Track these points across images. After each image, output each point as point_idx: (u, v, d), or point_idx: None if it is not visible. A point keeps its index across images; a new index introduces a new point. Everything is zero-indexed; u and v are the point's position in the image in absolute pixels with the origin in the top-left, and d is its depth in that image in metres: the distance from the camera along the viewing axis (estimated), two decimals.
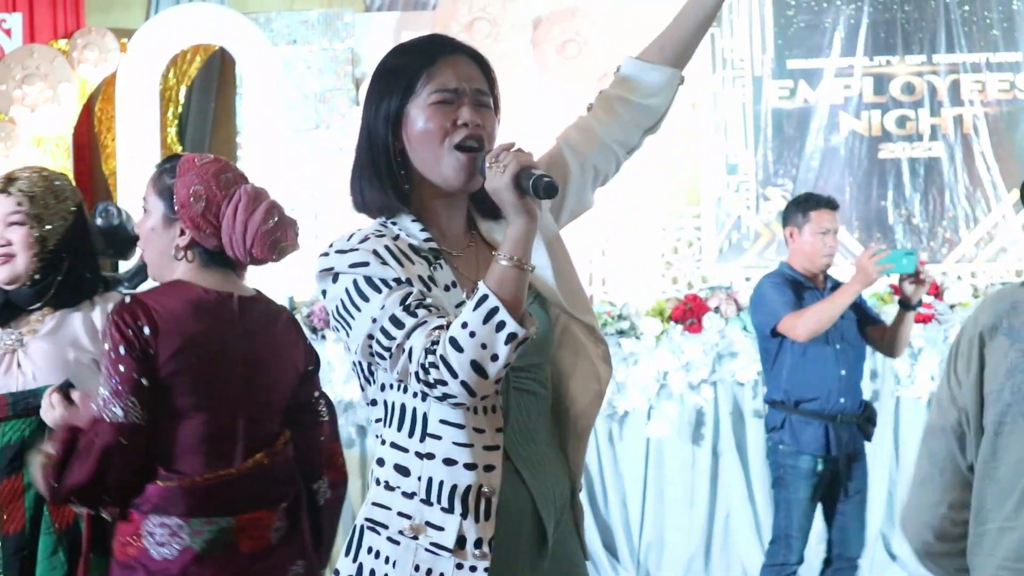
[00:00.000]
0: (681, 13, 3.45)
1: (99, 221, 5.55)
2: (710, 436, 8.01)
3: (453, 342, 2.77)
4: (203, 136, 11.41)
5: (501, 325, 2.74)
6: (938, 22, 11.10)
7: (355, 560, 3.01)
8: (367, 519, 3.02)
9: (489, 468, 2.92)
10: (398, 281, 2.90)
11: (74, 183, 4.92)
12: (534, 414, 3.07)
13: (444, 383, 2.78)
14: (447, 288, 2.99)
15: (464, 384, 2.77)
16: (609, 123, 3.37)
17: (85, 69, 10.75)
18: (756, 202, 11.12)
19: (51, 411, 4.10)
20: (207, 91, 11.37)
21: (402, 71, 3.11)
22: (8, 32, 11.03)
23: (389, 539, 2.96)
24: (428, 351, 2.79)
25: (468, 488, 2.91)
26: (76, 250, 4.53)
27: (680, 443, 8.00)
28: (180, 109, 11.48)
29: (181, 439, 3.90)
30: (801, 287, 7.05)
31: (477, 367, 2.76)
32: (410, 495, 2.95)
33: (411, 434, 2.96)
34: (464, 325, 2.76)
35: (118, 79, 10.51)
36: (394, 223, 3.06)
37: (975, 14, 11.09)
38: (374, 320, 2.87)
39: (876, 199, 11.08)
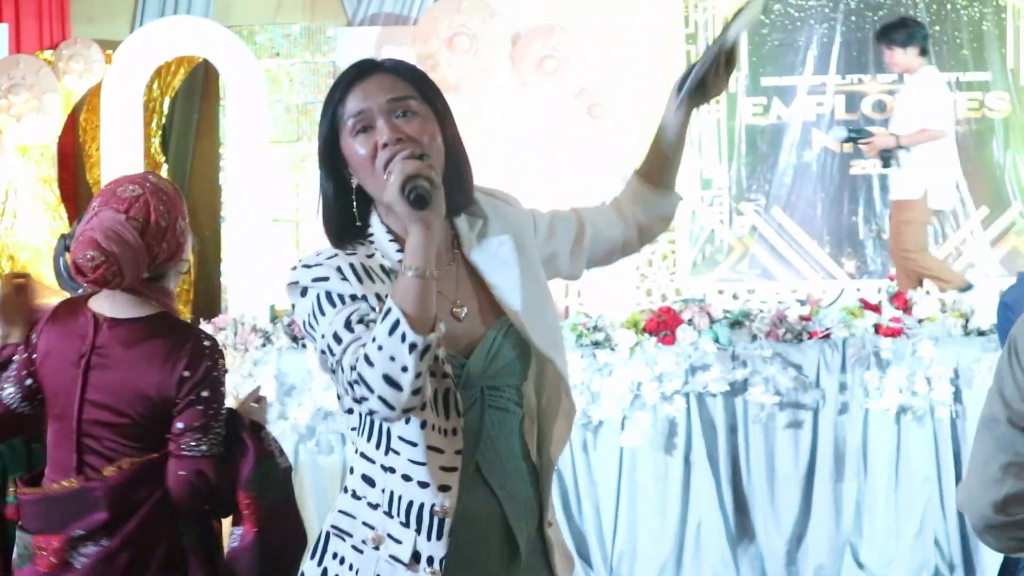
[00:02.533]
0: (655, 140, 3.36)
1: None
2: (682, 446, 8.10)
3: (366, 358, 2.75)
4: (186, 147, 11.52)
5: (404, 336, 2.71)
6: None
7: (320, 564, 3.03)
8: (333, 526, 3.05)
9: (444, 488, 2.92)
10: (353, 297, 2.90)
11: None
12: (507, 431, 3.08)
13: (366, 399, 2.76)
14: None
15: (381, 399, 2.75)
16: (623, 224, 3.38)
17: (70, 80, 10.85)
18: (729, 216, 11.29)
19: None
20: (191, 102, 11.48)
21: (327, 105, 3.08)
22: None
23: (353, 547, 3.00)
24: (352, 368, 2.78)
25: (422, 506, 2.92)
26: None
27: (653, 453, 8.09)
28: (164, 120, 11.61)
29: (48, 446, 4.10)
30: None
31: (390, 380, 2.73)
32: (375, 506, 2.97)
33: (377, 446, 2.98)
34: (374, 340, 2.75)
35: (103, 90, 10.60)
36: (371, 242, 3.06)
37: (945, 34, 11.28)
38: (323, 336, 2.89)
39: (847, 214, 11.25)
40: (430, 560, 2.92)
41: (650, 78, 11.39)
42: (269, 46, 10.84)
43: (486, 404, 3.02)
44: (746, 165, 11.32)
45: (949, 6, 11.27)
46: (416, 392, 2.75)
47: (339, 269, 2.94)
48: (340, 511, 3.04)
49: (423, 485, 2.92)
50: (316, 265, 2.97)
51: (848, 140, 9.59)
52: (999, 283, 9.74)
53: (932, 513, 8.00)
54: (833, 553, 8.01)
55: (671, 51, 11.38)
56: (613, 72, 10.72)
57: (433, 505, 2.92)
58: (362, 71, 3.05)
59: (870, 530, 8.06)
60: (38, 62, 10.82)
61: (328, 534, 3.05)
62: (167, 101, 11.56)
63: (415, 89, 3.03)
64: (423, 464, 2.92)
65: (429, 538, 2.92)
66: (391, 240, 3.03)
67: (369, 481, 2.99)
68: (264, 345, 8.14)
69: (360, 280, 2.94)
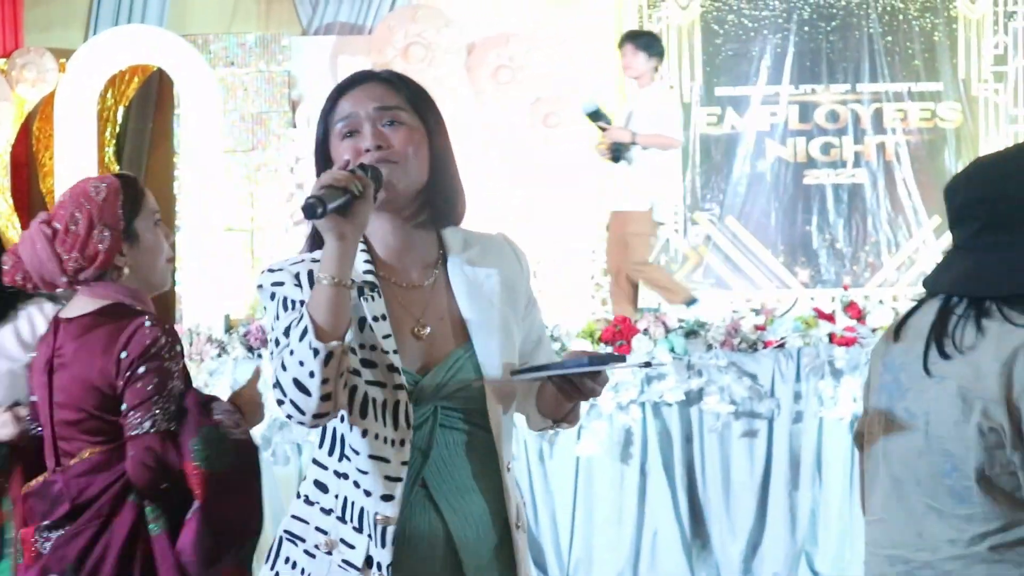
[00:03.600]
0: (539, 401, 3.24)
1: None
2: (638, 455, 8.12)
3: (281, 363, 2.80)
4: (140, 156, 11.47)
5: (310, 343, 2.74)
6: (862, 52, 11.36)
7: (272, 568, 3.06)
8: (286, 531, 3.07)
9: (387, 498, 2.93)
10: (303, 303, 2.88)
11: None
12: (459, 451, 3.05)
13: (282, 402, 2.81)
14: (375, 319, 2.94)
15: (293, 403, 2.79)
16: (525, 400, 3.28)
17: (23, 88, 10.81)
18: (684, 226, 11.33)
19: (3, 429, 4.25)
20: (145, 111, 11.44)
21: (322, 110, 3.11)
22: None
23: (306, 551, 3.02)
24: (274, 374, 2.84)
25: (368, 513, 2.94)
26: None
27: (609, 462, 8.11)
28: (118, 129, 11.56)
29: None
30: None
31: (299, 385, 2.77)
32: (328, 511, 3.01)
33: (331, 452, 3.00)
34: (287, 345, 2.80)
35: (56, 98, 10.54)
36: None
37: (898, 45, 11.36)
38: (274, 340, 2.93)
39: (801, 224, 11.32)
40: (379, 566, 2.93)
41: (605, 87, 11.42)
42: (224, 55, 10.82)
43: (438, 422, 3.01)
44: (700, 175, 11.37)
45: (901, 17, 11.35)
46: (325, 398, 2.78)
47: (296, 275, 2.97)
48: (293, 516, 3.06)
49: (367, 493, 2.94)
50: (278, 270, 3.00)
51: (592, 115, 9.59)
52: None
53: None
54: (788, 561, 8.05)
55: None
56: (568, 81, 10.74)
57: (376, 513, 2.93)
58: (356, 79, 3.09)
59: (825, 538, 8.10)
60: None
61: (281, 539, 3.07)
62: (121, 110, 11.51)
63: (406, 100, 3.05)
64: (366, 473, 2.94)
65: (378, 545, 2.93)
66: (363, 251, 3.02)
67: (322, 487, 3.02)
68: (219, 355, 8.11)
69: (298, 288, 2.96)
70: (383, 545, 2.93)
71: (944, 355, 2.94)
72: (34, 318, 4.35)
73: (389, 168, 2.95)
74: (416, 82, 3.12)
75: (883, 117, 11.35)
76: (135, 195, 4.15)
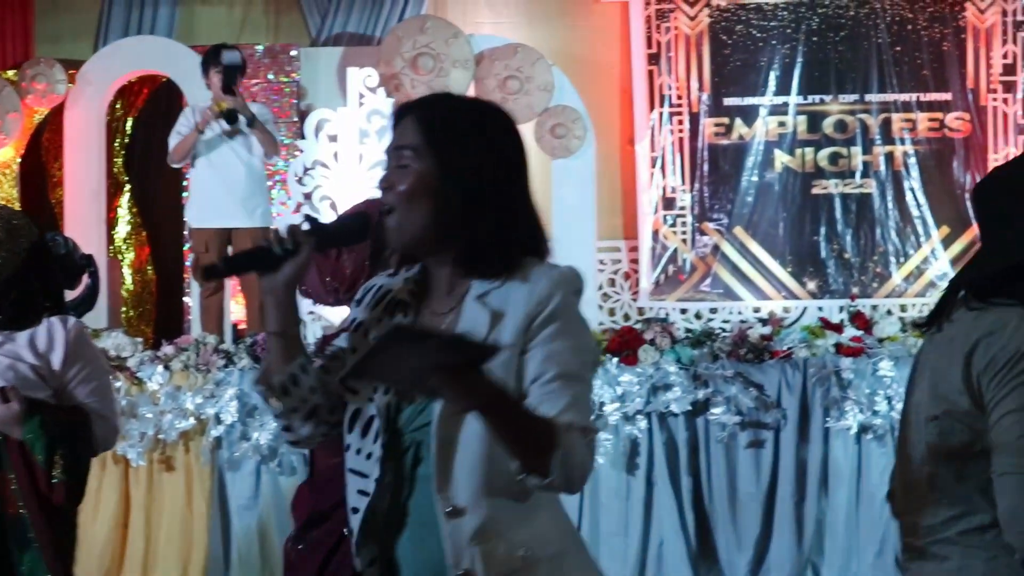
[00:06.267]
0: None
1: None
2: (644, 466, 8.12)
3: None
4: (149, 167, 11.50)
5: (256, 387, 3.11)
6: (871, 62, 11.35)
7: None
8: None
9: (355, 511, 2.99)
10: (349, 321, 3.09)
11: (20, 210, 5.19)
12: (425, 486, 2.95)
13: None
14: None
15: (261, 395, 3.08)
16: None
17: (33, 99, 10.84)
18: (692, 236, 11.33)
19: None
20: (154, 122, 11.46)
21: None
22: None
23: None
24: None
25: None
26: (29, 282, 4.71)
27: (615, 473, 8.12)
28: (127, 140, 11.59)
29: None
30: None
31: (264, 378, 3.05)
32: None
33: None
34: None
35: (66, 109, 10.59)
36: (411, 270, 3.07)
37: (906, 55, 11.35)
38: None
39: (809, 234, 11.30)
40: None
41: (612, 98, 11.44)
42: None
43: (390, 448, 2.98)
44: (708, 185, 11.36)
45: (910, 27, 11.34)
46: (286, 429, 3.07)
47: (364, 289, 3.14)
48: None
49: (343, 503, 3.04)
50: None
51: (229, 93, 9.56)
52: None
53: (893, 532, 8.00)
54: (794, 572, 8.05)
55: (634, 71, 11.42)
56: (576, 92, 10.75)
57: (347, 525, 3.02)
58: (396, 115, 3.05)
59: (831, 549, 8.10)
60: (1, 81, 10.80)
61: None
62: (131, 121, 11.55)
63: (423, 138, 2.94)
64: (346, 484, 3.02)
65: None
66: (416, 273, 3.06)
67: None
68: (226, 366, 8.14)
69: (366, 305, 3.08)
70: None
71: (932, 346, 3.11)
72: (54, 329, 4.63)
73: (390, 213, 2.96)
74: (456, 112, 3.03)
75: (891, 127, 11.33)
76: None
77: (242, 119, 9.37)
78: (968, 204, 11.10)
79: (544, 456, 2.73)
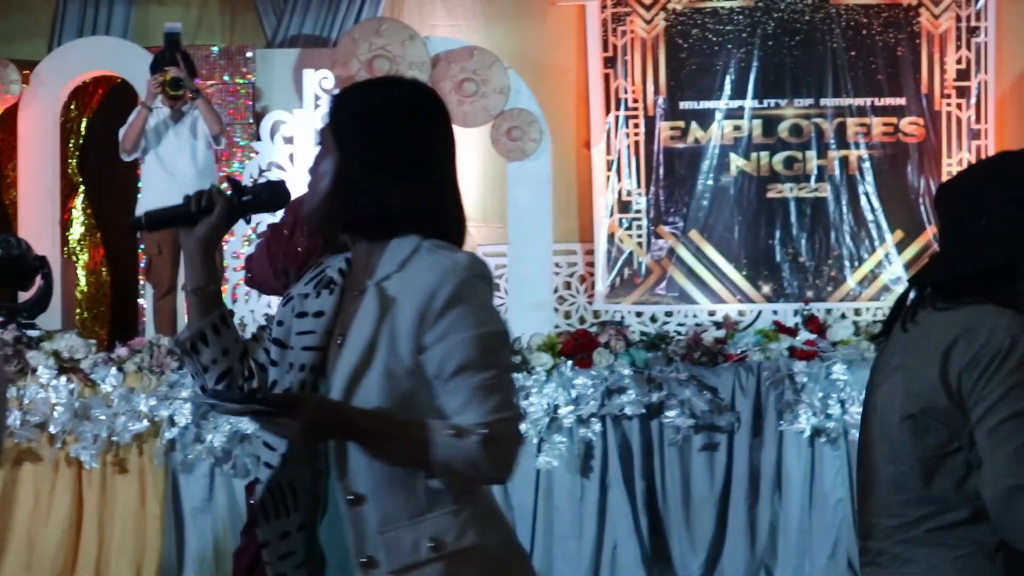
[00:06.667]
0: None
1: None
2: (598, 469, 8.13)
3: None
4: (104, 167, 11.45)
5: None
6: (825, 67, 11.39)
7: None
8: None
9: (258, 482, 3.09)
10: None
11: None
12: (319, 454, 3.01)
13: None
14: (315, 315, 3.00)
15: None
16: None
17: None
18: (647, 239, 11.35)
19: None
20: (109, 123, 11.41)
21: None
22: None
23: None
24: None
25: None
26: None
27: (569, 475, 8.12)
28: (82, 140, 11.55)
29: None
30: None
31: None
32: None
33: None
34: None
35: (20, 110, 10.54)
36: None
37: (861, 60, 11.40)
38: None
39: (764, 238, 11.34)
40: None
41: (569, 101, 11.45)
42: None
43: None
44: (664, 188, 11.39)
45: (865, 32, 11.39)
46: (201, 389, 3.15)
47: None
48: None
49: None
50: None
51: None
52: None
53: (846, 534, 8.06)
54: (747, 574, 8.07)
55: (590, 74, 11.43)
56: (532, 95, 10.76)
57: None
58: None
59: (784, 551, 8.12)
60: None
61: None
62: (85, 121, 11.50)
63: (329, 123, 3.05)
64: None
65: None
66: (348, 255, 3.10)
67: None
68: (180, 368, 8.11)
69: (303, 281, 3.13)
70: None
71: (899, 346, 3.10)
72: None
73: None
74: (353, 98, 3.09)
75: (846, 131, 11.38)
76: None
77: (187, 89, 9.40)
78: (922, 209, 11.20)
79: (422, 461, 2.80)
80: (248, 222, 3.24)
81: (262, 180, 3.26)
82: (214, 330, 3.11)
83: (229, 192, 3.15)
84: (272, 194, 3.21)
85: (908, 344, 3.07)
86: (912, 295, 3.14)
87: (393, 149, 3.00)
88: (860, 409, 7.92)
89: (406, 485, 2.86)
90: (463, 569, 2.89)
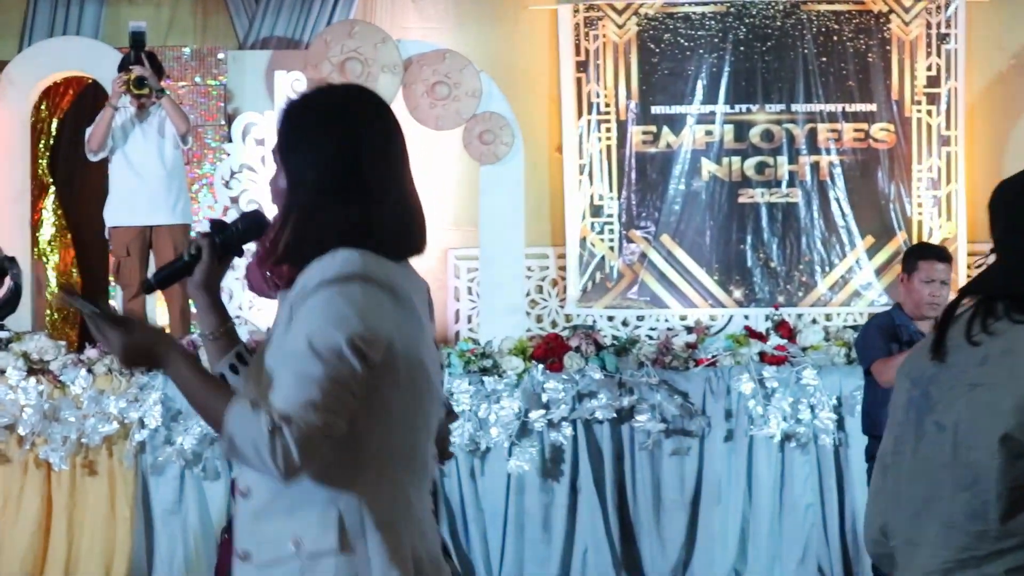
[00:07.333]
0: None
1: None
2: (569, 473, 8.15)
3: None
4: (74, 168, 11.41)
5: None
6: (797, 73, 11.42)
7: None
8: None
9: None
10: None
11: None
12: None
13: None
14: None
15: None
16: None
17: None
18: (619, 243, 11.36)
19: None
20: (79, 124, 11.37)
21: None
22: None
23: None
24: None
25: None
26: None
27: (539, 479, 8.13)
28: (52, 141, 11.50)
29: None
30: (902, 331, 6.95)
31: None
32: None
33: None
34: None
35: None
36: None
37: (832, 66, 11.44)
38: None
39: (735, 242, 11.36)
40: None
41: (541, 105, 11.45)
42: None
43: None
44: (636, 193, 11.40)
45: (836, 38, 11.43)
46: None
47: None
48: None
49: None
50: None
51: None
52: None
53: (815, 539, 8.10)
54: None
55: (562, 78, 11.44)
56: (504, 98, 10.75)
57: None
58: None
59: (754, 556, 8.15)
60: None
61: None
62: (56, 122, 11.46)
63: (277, 143, 3.09)
64: None
65: None
66: None
67: None
68: (150, 370, 8.08)
69: None
70: None
71: (972, 360, 2.83)
72: None
73: None
74: (296, 112, 3.08)
75: (817, 137, 11.41)
76: None
77: (152, 88, 9.36)
78: (893, 214, 11.23)
79: (217, 425, 2.84)
80: (240, 255, 3.18)
81: (244, 212, 3.26)
82: (232, 370, 3.20)
83: (208, 231, 3.23)
84: (249, 224, 3.22)
85: (987, 358, 2.80)
86: (964, 306, 2.89)
87: (335, 169, 2.99)
88: (831, 415, 7.97)
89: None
90: (317, 573, 2.88)
